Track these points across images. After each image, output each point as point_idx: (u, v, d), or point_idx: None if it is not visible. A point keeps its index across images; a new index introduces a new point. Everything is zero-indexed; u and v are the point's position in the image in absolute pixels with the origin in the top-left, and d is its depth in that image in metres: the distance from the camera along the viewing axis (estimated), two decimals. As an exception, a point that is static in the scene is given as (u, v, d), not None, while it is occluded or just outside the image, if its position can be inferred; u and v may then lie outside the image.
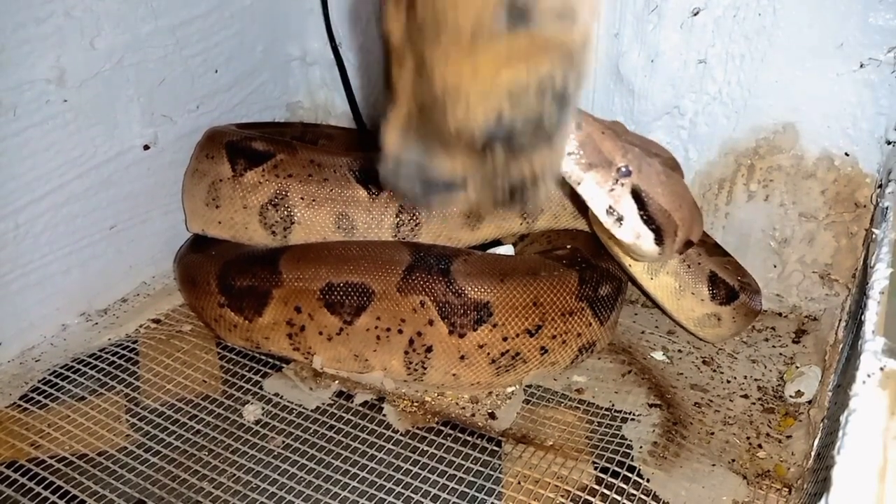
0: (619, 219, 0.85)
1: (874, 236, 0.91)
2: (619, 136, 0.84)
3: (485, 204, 0.70)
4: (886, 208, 0.94)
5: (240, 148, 1.15)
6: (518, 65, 0.60)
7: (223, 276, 1.08)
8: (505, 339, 1.00)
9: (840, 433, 0.62)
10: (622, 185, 0.84)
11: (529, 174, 0.67)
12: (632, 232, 0.86)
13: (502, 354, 1.01)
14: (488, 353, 1.00)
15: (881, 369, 0.66)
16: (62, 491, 0.89)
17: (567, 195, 1.10)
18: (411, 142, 0.66)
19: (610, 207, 0.84)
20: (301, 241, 1.13)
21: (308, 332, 1.05)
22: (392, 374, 1.05)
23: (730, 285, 1.05)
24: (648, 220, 0.86)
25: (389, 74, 0.67)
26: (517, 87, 0.60)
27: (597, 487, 0.89)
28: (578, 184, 0.83)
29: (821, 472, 0.78)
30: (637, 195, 0.84)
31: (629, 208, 0.85)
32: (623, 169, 0.83)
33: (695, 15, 1.09)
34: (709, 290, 1.05)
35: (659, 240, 0.87)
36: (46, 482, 0.90)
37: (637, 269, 1.05)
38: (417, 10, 0.61)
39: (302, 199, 1.10)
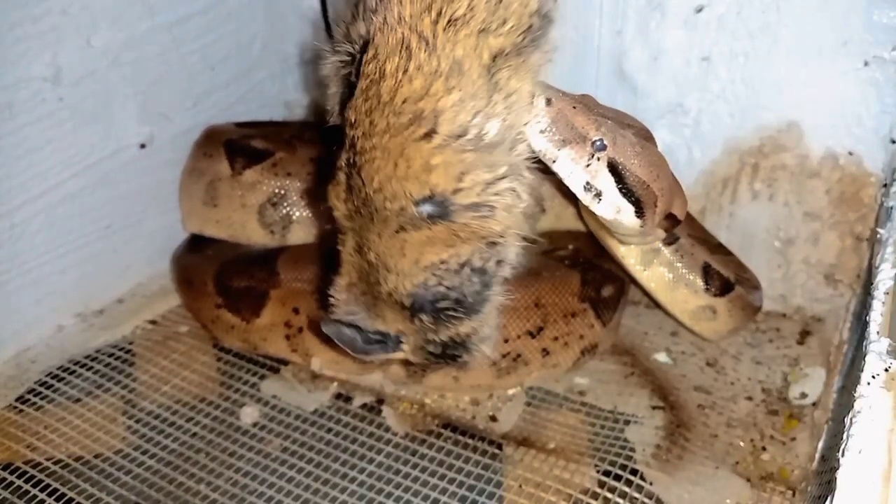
0: (598, 194, 0.83)
1: (879, 236, 0.90)
2: (590, 109, 0.83)
3: (420, 360, 0.79)
4: (891, 208, 0.92)
5: (239, 146, 1.14)
6: (440, 248, 0.70)
7: (220, 276, 1.07)
8: (506, 340, 0.99)
9: (845, 435, 0.61)
10: (598, 159, 0.82)
11: (458, 338, 0.76)
12: (612, 207, 0.84)
13: (503, 356, 1.00)
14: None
15: (886, 370, 0.65)
16: (58, 493, 0.88)
17: (555, 185, 1.08)
18: (352, 303, 0.77)
19: (587, 183, 0.82)
20: (300, 240, 1.12)
21: (306, 334, 1.03)
22: (391, 377, 1.04)
23: (724, 277, 1.04)
24: (627, 192, 0.84)
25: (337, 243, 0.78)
26: (440, 265, 0.71)
27: (599, 491, 0.88)
28: (553, 161, 0.81)
29: (825, 475, 0.77)
30: (614, 168, 0.82)
31: (607, 182, 0.83)
32: (598, 143, 0.81)
33: (698, 12, 1.08)
34: (703, 280, 1.03)
35: (640, 212, 0.85)
36: (42, 484, 0.90)
37: (630, 261, 1.03)
38: (353, 198, 0.71)
39: (301, 198, 1.09)
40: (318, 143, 1.35)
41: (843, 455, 0.60)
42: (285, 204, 1.10)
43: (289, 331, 1.04)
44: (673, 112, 1.17)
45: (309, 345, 1.04)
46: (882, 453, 0.59)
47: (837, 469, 0.59)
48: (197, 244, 1.18)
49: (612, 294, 1.06)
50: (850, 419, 0.62)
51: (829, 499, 0.59)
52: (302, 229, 1.11)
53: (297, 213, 1.10)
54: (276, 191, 1.10)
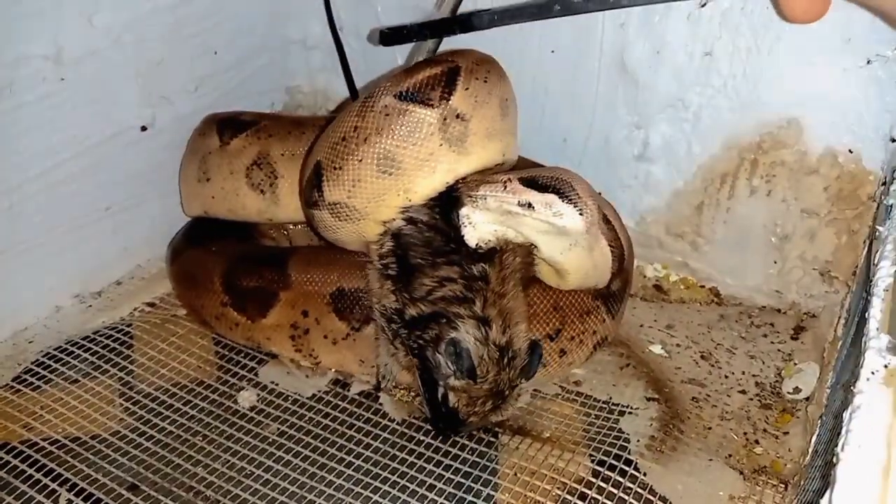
0: (529, 204, 0.87)
1: (878, 234, 0.91)
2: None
3: None
4: (890, 206, 0.93)
5: (228, 121, 1.16)
6: None
7: (229, 275, 1.06)
8: None
9: (844, 430, 0.62)
10: (509, 180, 0.88)
11: None
12: (544, 206, 0.88)
13: None
14: None
15: (885, 367, 0.65)
16: (55, 473, 0.89)
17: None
18: None
19: (520, 202, 0.87)
20: (287, 194, 1.12)
21: (312, 336, 1.03)
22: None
23: None
24: (543, 186, 0.88)
25: None
26: None
27: (593, 480, 0.88)
28: (487, 209, 0.89)
29: (820, 469, 0.78)
30: (522, 180, 0.89)
31: (527, 191, 0.88)
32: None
33: (702, 6, 1.08)
34: None
35: (567, 196, 0.88)
36: (39, 464, 0.90)
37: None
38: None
39: (282, 154, 1.11)
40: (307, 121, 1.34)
41: (842, 450, 0.60)
42: (268, 162, 1.11)
43: (294, 332, 1.04)
44: (673, 106, 1.17)
45: (314, 346, 1.04)
46: (881, 448, 0.59)
47: (836, 464, 0.60)
48: (195, 237, 1.17)
49: (619, 287, 1.06)
50: (849, 414, 0.62)
51: (827, 493, 0.59)
52: (287, 183, 1.11)
53: (281, 169, 1.10)
54: (259, 151, 1.11)
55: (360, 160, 0.90)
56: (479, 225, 0.90)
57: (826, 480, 0.61)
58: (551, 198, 0.87)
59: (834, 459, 0.60)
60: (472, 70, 0.90)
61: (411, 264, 0.91)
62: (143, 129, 1.19)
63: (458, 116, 0.88)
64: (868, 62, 1.03)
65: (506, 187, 0.88)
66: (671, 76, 1.15)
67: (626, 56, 1.17)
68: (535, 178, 0.89)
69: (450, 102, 0.88)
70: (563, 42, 1.21)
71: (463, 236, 0.90)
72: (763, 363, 1.10)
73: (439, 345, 0.88)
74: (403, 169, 0.89)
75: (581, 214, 0.88)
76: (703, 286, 1.26)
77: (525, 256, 0.94)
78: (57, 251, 1.13)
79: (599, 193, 1.23)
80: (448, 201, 0.91)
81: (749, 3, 1.06)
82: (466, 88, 0.89)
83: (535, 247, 0.93)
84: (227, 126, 1.15)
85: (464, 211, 0.90)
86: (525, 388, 0.95)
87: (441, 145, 0.89)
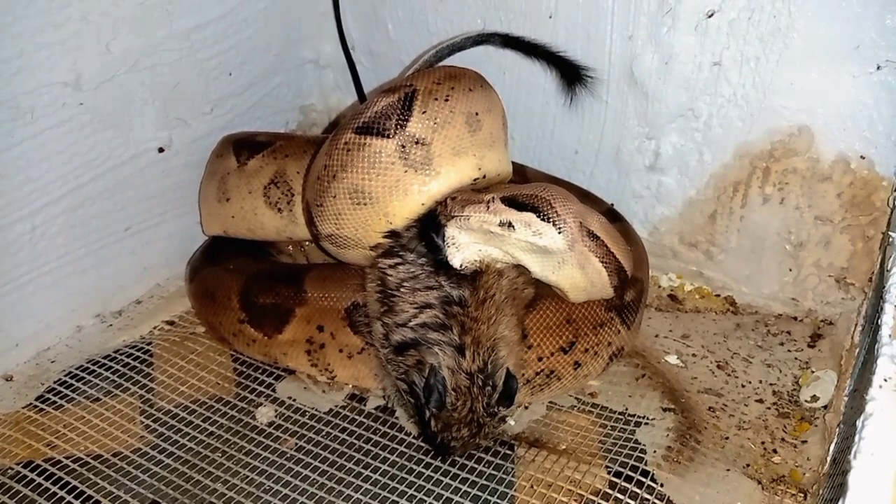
0: (510, 224, 0.87)
1: (891, 240, 0.91)
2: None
3: None
4: (904, 211, 0.93)
5: (245, 142, 1.18)
6: None
7: (246, 292, 1.07)
8: (540, 359, 0.99)
9: (856, 438, 0.62)
10: (492, 199, 0.88)
11: None
12: (524, 225, 0.88)
13: (537, 374, 1.00)
14: (523, 375, 0.97)
15: (899, 374, 0.65)
16: (77, 491, 0.90)
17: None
18: None
19: (500, 222, 0.88)
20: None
21: (328, 350, 1.04)
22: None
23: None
24: (522, 205, 0.88)
25: None
26: None
27: (610, 492, 0.88)
28: (471, 229, 0.88)
29: (837, 477, 0.77)
30: (504, 199, 0.88)
31: (507, 211, 0.88)
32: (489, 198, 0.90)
33: (709, 17, 1.09)
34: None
35: (544, 215, 0.88)
36: (62, 482, 0.91)
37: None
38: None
39: (298, 172, 1.11)
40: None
41: (854, 458, 0.60)
42: (285, 180, 1.12)
43: (310, 346, 1.05)
44: (684, 116, 1.17)
45: (330, 360, 1.05)
46: (894, 456, 0.59)
47: (849, 471, 0.60)
48: (214, 255, 1.19)
49: (633, 297, 1.06)
50: (862, 422, 0.62)
51: (840, 501, 0.59)
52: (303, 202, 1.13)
53: (297, 187, 1.11)
54: (276, 170, 1.12)
55: (335, 196, 0.93)
56: (464, 246, 0.91)
57: (841, 489, 0.60)
58: (529, 216, 0.88)
59: (848, 467, 0.60)
60: (431, 91, 0.90)
61: (392, 290, 0.92)
62: (161, 150, 1.21)
63: (417, 142, 0.89)
64: (878, 68, 1.03)
65: (488, 207, 0.88)
66: (680, 86, 1.16)
67: (634, 67, 1.17)
68: (516, 196, 0.89)
69: (406, 129, 0.89)
70: (572, 54, 1.22)
71: (446, 257, 0.90)
72: (780, 372, 1.10)
73: (423, 371, 0.89)
74: (375, 198, 0.91)
75: (560, 233, 0.88)
76: (718, 295, 1.26)
77: (517, 277, 0.94)
78: (78, 272, 1.15)
79: (612, 204, 1.24)
80: (430, 223, 0.91)
81: (756, 13, 1.06)
82: (423, 112, 0.89)
83: (527, 267, 0.93)
84: (243, 147, 1.17)
85: (449, 231, 0.90)
86: (510, 413, 0.95)
87: (406, 171, 0.90)
